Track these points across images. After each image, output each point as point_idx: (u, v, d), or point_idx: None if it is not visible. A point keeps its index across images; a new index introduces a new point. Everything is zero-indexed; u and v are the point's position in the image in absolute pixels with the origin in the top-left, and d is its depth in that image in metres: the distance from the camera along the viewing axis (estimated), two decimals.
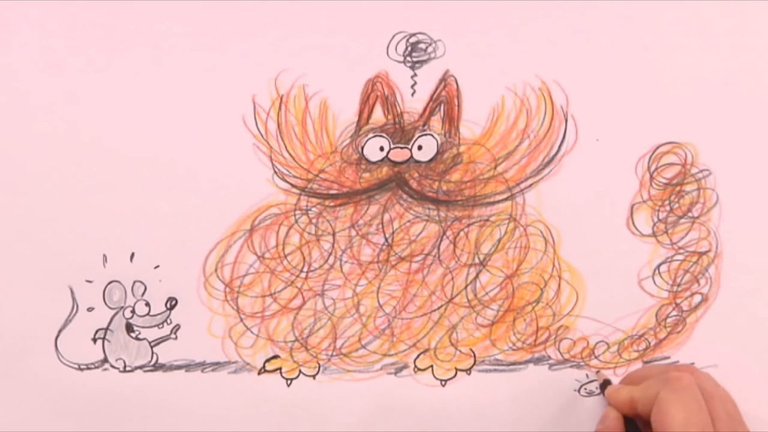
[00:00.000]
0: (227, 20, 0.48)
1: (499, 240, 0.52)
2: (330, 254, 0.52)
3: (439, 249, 0.52)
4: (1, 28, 0.48)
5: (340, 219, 0.52)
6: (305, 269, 0.52)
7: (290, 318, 0.53)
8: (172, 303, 0.52)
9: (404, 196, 0.51)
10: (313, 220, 0.51)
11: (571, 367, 0.54)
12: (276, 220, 0.51)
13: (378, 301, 0.53)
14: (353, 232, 0.52)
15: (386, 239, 0.52)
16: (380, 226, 0.52)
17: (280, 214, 0.51)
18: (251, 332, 0.53)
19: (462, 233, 0.52)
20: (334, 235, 0.52)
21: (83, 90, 0.49)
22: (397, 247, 0.52)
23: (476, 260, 0.52)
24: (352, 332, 0.53)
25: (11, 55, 0.48)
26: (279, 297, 0.52)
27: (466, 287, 0.53)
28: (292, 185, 0.51)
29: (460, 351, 0.54)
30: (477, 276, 0.53)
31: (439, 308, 0.53)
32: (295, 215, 0.51)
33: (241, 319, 0.52)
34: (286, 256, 0.52)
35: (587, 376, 0.54)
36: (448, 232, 0.52)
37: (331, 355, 0.53)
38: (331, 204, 0.51)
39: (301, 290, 0.52)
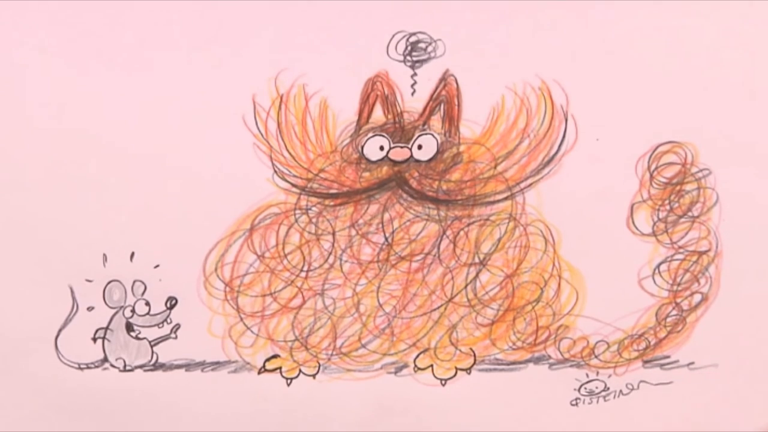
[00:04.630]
0: (227, 20, 0.48)
1: (499, 239, 0.52)
2: (330, 253, 0.52)
3: (439, 248, 0.52)
4: (1, 27, 0.48)
5: (340, 218, 0.52)
6: (305, 268, 0.52)
7: (290, 317, 0.53)
8: (172, 302, 0.52)
9: (404, 195, 0.51)
10: (313, 220, 0.51)
11: (571, 366, 0.54)
12: (276, 220, 0.51)
13: (378, 301, 0.53)
14: (353, 232, 0.52)
15: (386, 238, 0.52)
16: (380, 225, 0.52)
17: (280, 214, 0.51)
18: (251, 332, 0.53)
19: (462, 232, 0.52)
20: (334, 234, 0.52)
21: (82, 89, 0.49)
22: (397, 246, 0.52)
23: (476, 259, 0.52)
24: (352, 332, 0.53)
25: (11, 53, 0.48)
26: (279, 296, 0.52)
27: (466, 286, 0.53)
28: (292, 185, 0.51)
29: (460, 350, 0.54)
30: (477, 275, 0.53)
31: (439, 307, 0.53)
32: (295, 215, 0.51)
33: (241, 319, 0.52)
34: (286, 256, 0.52)
35: (587, 375, 0.55)
36: (448, 232, 0.52)
37: (331, 355, 0.53)
38: (331, 203, 0.51)
39: (301, 290, 0.52)
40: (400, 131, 0.50)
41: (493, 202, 0.52)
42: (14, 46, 0.48)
